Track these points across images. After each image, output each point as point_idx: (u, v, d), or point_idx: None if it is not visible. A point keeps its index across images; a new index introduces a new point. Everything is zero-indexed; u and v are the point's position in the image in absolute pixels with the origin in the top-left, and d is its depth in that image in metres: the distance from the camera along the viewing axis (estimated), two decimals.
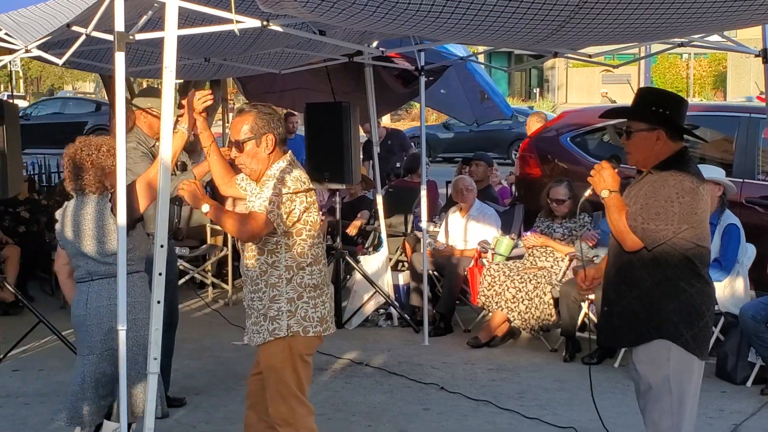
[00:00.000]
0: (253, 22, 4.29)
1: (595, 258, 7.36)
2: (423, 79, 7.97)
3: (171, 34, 3.51)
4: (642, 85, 17.28)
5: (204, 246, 9.38)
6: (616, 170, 4.12)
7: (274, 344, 4.18)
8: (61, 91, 52.02)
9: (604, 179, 4.10)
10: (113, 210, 4.36)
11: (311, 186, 4.23)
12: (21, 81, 57.66)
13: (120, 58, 3.92)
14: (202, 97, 4.15)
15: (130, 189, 4.33)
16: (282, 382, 4.20)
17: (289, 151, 4.29)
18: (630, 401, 6.00)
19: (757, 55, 5.26)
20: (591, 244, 7.35)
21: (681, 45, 5.95)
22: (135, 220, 4.46)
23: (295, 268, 4.18)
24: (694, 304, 4.04)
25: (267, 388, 4.26)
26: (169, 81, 3.51)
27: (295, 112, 11.54)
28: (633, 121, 4.13)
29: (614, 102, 13.28)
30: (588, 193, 4.29)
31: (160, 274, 3.53)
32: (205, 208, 4.09)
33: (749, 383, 6.44)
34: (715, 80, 40.34)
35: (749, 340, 6.42)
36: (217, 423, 5.79)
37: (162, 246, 3.53)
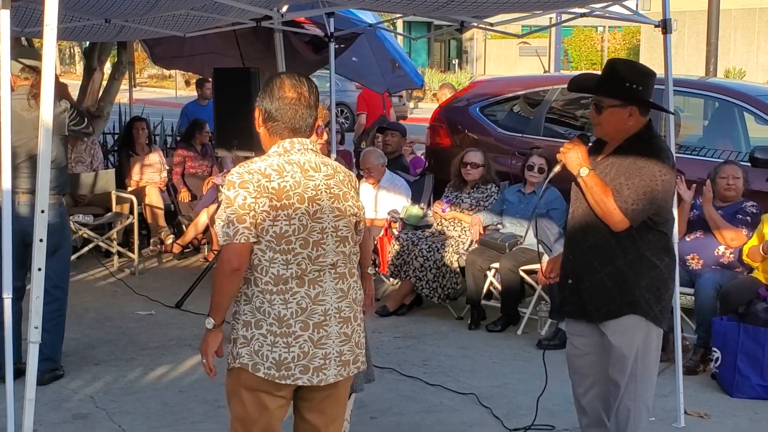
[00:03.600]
0: None
1: (499, 225, 7.43)
2: (333, 46, 7.86)
3: None
4: (553, 57, 17.42)
5: (109, 214, 9.17)
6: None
7: (230, 371, 3.43)
8: None
9: (578, 157, 4.11)
10: None
11: (277, 185, 3.25)
12: None
13: (5, 16, 3.75)
14: None
15: None
16: (231, 410, 3.49)
17: (299, 139, 3.37)
18: (532, 368, 6.11)
19: (656, 26, 5.30)
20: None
21: (583, 15, 5.98)
22: None
23: (252, 283, 3.32)
24: (663, 278, 4.15)
25: None
26: (50, 40, 3.37)
27: (210, 79, 11.33)
28: (605, 97, 4.11)
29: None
30: (557, 168, 4.28)
31: (41, 240, 3.41)
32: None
33: None
34: (629, 53, 40.89)
35: None
36: (115, 393, 5.67)
37: (42, 211, 3.41)
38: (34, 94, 5.54)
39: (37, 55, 5.75)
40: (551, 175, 4.38)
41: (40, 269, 3.42)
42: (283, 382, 3.31)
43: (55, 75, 3.96)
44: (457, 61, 46.41)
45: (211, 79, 11.27)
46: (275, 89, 3.37)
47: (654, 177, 4.00)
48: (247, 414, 3.40)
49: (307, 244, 3.29)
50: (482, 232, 7.43)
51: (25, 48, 7.96)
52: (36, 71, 5.61)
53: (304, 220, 3.28)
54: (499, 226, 7.44)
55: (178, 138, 11.52)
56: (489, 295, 7.45)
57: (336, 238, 3.36)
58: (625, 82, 4.09)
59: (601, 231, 4.10)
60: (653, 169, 4.01)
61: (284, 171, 3.28)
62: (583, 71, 4.94)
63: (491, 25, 6.43)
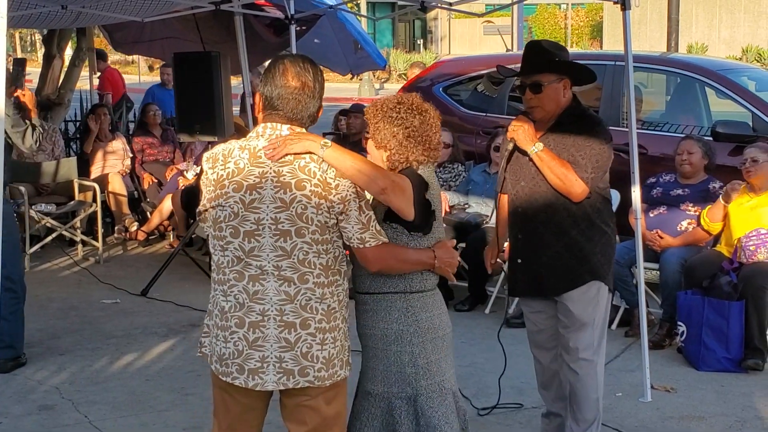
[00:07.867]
0: None
1: (466, 206, 7.42)
2: (294, 29, 7.81)
3: None
4: (515, 35, 17.42)
5: (72, 202, 9.07)
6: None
7: None
8: None
9: (527, 134, 4.13)
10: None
11: (216, 174, 3.18)
12: None
13: None
14: None
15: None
16: None
17: (272, 124, 3.15)
18: (500, 347, 6.11)
19: (615, 2, 5.30)
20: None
21: None
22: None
23: (213, 270, 3.28)
24: (611, 243, 4.29)
25: None
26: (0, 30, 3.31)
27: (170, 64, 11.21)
28: (542, 75, 4.12)
29: None
30: (510, 147, 4.29)
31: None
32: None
33: (614, 326, 6.59)
34: (593, 30, 41.03)
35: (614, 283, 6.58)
36: (81, 383, 5.62)
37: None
38: None
39: None
40: (506, 154, 4.35)
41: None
42: (224, 379, 3.19)
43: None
44: (421, 41, 46.30)
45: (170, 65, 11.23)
46: (278, 76, 3.14)
47: (602, 146, 4.11)
48: (215, 408, 3.36)
49: (238, 233, 3.12)
50: (448, 210, 7.43)
51: None
52: None
53: (236, 208, 3.11)
54: (465, 206, 7.44)
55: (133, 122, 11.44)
56: (456, 275, 7.44)
57: (275, 232, 3.09)
58: (554, 56, 4.17)
59: (552, 206, 4.16)
60: (599, 139, 4.12)
61: (230, 157, 3.14)
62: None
63: (450, 4, 6.41)
